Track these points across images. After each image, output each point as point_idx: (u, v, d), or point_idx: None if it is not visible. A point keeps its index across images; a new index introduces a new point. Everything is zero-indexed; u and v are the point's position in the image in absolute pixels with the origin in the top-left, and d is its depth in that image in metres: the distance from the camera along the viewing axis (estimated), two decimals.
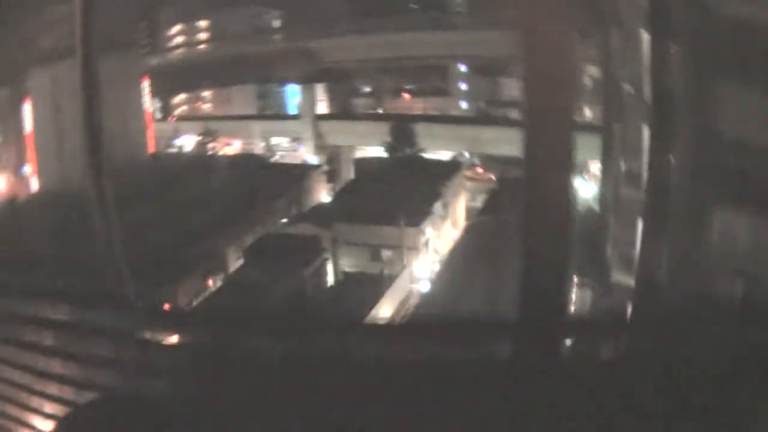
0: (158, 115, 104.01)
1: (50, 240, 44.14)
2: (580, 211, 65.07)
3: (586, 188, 79.01)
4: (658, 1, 21.93)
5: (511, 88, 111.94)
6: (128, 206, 54.60)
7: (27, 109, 73.12)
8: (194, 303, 47.98)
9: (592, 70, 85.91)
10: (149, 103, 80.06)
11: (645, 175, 24.92)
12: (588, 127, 76.36)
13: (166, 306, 46.90)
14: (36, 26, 65.37)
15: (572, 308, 48.34)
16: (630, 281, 26.45)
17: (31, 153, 75.75)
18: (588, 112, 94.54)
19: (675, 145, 22.37)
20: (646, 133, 24.17)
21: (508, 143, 79.38)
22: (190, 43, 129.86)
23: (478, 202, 67.73)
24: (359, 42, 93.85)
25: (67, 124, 66.22)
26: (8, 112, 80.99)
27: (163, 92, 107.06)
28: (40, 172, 71.22)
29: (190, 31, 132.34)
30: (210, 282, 51.70)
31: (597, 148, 51.88)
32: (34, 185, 72.09)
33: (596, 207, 61.27)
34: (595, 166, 73.67)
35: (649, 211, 24.69)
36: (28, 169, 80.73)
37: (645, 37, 23.13)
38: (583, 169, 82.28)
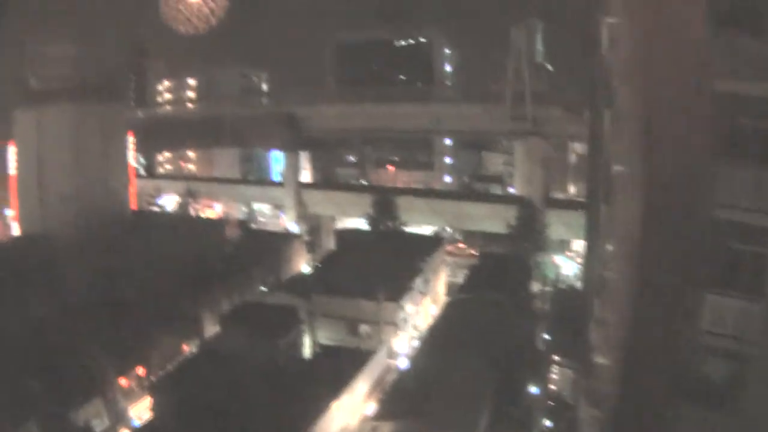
0: (141, 172, 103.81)
1: None
2: (561, 289, 64.58)
3: (568, 266, 78.83)
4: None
5: (495, 163, 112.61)
6: (107, 260, 53.94)
7: (11, 152, 72.29)
8: (168, 367, 46.98)
9: (579, 148, 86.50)
10: (133, 159, 79.75)
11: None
12: (572, 204, 76.57)
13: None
14: (26, 66, 64.37)
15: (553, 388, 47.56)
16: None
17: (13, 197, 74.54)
18: (572, 189, 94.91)
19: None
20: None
21: (490, 219, 79.57)
22: (177, 101, 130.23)
23: (459, 278, 67.01)
24: (345, 111, 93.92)
25: (48, 169, 65.48)
26: None
27: (147, 148, 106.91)
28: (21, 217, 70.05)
29: (178, 88, 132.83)
30: (185, 347, 50.84)
31: (580, 226, 51.41)
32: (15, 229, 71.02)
33: (578, 285, 60.60)
34: (579, 244, 73.70)
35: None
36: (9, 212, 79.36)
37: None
38: (565, 247, 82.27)
